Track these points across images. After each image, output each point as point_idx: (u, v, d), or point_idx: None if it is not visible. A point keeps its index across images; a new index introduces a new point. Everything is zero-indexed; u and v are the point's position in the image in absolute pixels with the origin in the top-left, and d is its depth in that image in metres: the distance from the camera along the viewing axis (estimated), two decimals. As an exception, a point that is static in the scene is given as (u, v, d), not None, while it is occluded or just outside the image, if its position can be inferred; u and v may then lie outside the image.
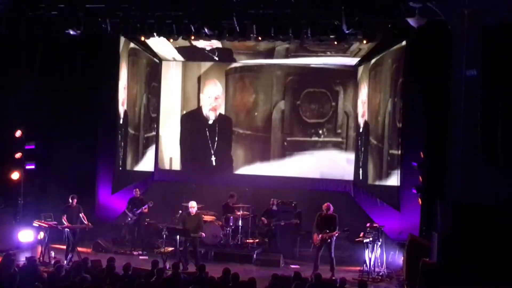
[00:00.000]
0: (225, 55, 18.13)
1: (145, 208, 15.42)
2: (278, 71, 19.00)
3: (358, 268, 13.57)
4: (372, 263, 13.24)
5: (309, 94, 18.79)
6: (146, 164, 19.10)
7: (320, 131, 18.81)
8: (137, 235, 15.54)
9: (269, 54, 17.56)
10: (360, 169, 18.04)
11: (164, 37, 14.53)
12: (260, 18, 13.40)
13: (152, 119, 19.33)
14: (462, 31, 11.49)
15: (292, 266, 14.03)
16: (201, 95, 19.37)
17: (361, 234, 13.44)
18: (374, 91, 17.24)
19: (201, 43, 16.39)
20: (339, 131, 18.76)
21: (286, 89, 18.99)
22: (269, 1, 13.09)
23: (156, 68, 19.29)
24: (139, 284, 9.61)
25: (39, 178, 15.69)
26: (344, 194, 18.23)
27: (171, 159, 19.58)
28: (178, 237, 13.56)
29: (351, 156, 18.53)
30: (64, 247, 14.01)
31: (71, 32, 13.94)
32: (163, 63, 19.42)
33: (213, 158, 19.28)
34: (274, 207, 15.53)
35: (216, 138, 19.29)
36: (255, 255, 14.61)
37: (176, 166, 19.61)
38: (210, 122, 19.35)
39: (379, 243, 13.41)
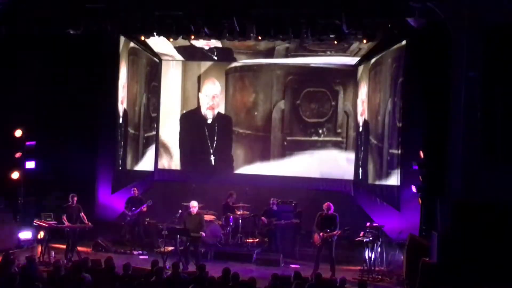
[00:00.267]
0: (225, 55, 18.13)
1: (144, 207, 15.42)
2: (278, 71, 18.99)
3: (358, 267, 13.58)
4: (372, 262, 13.25)
5: (309, 93, 18.78)
6: (146, 164, 19.09)
7: (320, 131, 18.79)
8: (137, 234, 15.55)
9: (269, 53, 17.55)
10: (360, 169, 18.03)
11: (164, 36, 14.53)
12: (260, 17, 13.41)
13: (152, 118, 19.32)
14: (462, 31, 11.51)
15: (292, 265, 14.04)
16: (199, 94, 19.37)
17: (361, 234, 13.45)
18: (374, 91, 17.23)
19: (199, 43, 16.37)
20: (339, 130, 18.74)
21: (286, 89, 18.97)
22: (269, 1, 13.10)
23: (156, 67, 19.28)
24: (139, 284, 9.63)
25: (39, 177, 15.68)
26: (344, 193, 18.21)
27: (171, 158, 19.57)
28: (178, 236, 13.56)
29: (351, 155, 18.52)
30: (64, 246, 14.02)
31: (71, 32, 13.95)
32: (163, 62, 19.41)
33: (212, 158, 19.27)
34: (274, 207, 15.53)
35: (215, 138, 19.27)
36: (255, 255, 14.62)
37: (176, 165, 19.59)
38: (209, 121, 19.33)
39: (379, 243, 13.43)
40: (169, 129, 19.53)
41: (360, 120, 18.14)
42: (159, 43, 17.03)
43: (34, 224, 14.23)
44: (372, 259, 13.27)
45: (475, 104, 11.41)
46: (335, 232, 13.20)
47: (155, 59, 19.01)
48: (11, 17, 13.99)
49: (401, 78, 15.11)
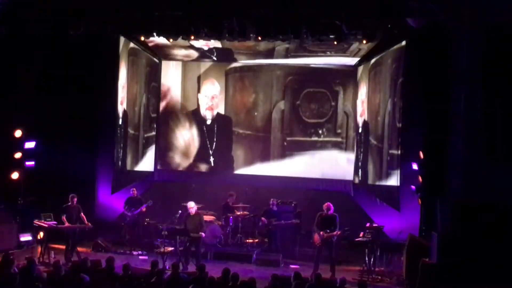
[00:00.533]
0: (225, 55, 18.13)
1: (143, 208, 15.42)
2: (278, 71, 18.99)
3: (358, 268, 13.57)
4: (372, 263, 13.25)
5: (309, 94, 18.78)
6: (145, 164, 19.09)
7: (320, 131, 18.78)
8: (136, 235, 15.54)
9: (269, 54, 17.55)
10: (360, 169, 18.03)
11: (164, 37, 14.53)
12: (260, 18, 13.41)
13: (151, 119, 19.31)
14: (462, 31, 11.51)
15: (292, 266, 14.04)
16: (199, 95, 19.36)
17: (361, 234, 13.45)
18: (374, 91, 17.23)
19: (199, 43, 16.37)
20: (339, 131, 18.74)
21: (286, 89, 18.97)
22: (269, 1, 13.10)
23: (155, 68, 19.27)
24: (138, 284, 9.62)
25: (39, 178, 15.66)
26: (344, 194, 18.21)
27: (170, 159, 19.56)
28: (177, 237, 13.56)
29: (351, 156, 18.52)
30: (64, 247, 14.01)
31: (71, 32, 13.95)
32: (163, 62, 19.41)
33: (211, 159, 19.27)
34: (274, 207, 15.52)
35: (215, 138, 19.27)
36: (255, 255, 14.62)
37: (176, 166, 19.58)
38: (208, 122, 19.33)
39: (379, 243, 13.41)
40: (169, 129, 19.52)
41: (360, 120, 18.14)
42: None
43: (34, 224, 14.22)
44: (372, 259, 13.26)
45: (475, 104, 11.40)
46: (335, 233, 13.20)
47: (155, 59, 19.01)
48: (11, 17, 13.99)
49: (401, 78, 15.12)
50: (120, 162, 17.40)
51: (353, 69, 18.40)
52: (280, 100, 19.02)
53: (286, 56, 17.76)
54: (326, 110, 18.74)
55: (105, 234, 15.68)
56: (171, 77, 19.45)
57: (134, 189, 15.93)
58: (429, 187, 13.29)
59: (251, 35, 13.74)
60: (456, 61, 11.78)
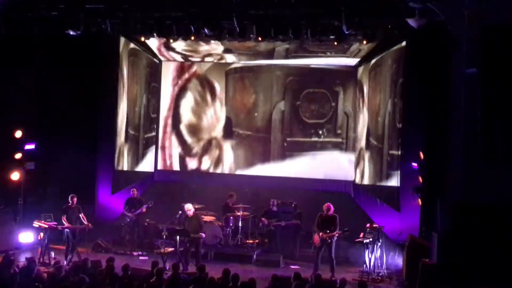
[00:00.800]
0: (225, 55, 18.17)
1: (144, 209, 15.42)
2: (278, 72, 19.00)
3: (358, 268, 13.57)
4: (372, 263, 13.24)
5: (309, 94, 18.79)
6: (146, 165, 19.10)
7: (320, 132, 18.79)
8: (136, 235, 15.54)
9: (269, 54, 17.55)
10: (360, 170, 18.03)
11: (164, 37, 14.54)
12: (260, 18, 13.41)
13: (152, 119, 19.32)
14: (462, 31, 11.49)
15: (292, 266, 14.02)
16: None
17: (361, 235, 13.43)
18: (374, 92, 17.24)
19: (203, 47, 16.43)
20: (339, 131, 18.75)
21: (286, 90, 18.98)
22: (269, 2, 13.10)
23: (156, 68, 19.28)
24: (139, 285, 9.62)
25: (39, 178, 15.68)
26: (344, 194, 18.22)
27: (170, 159, 19.56)
28: (178, 237, 13.56)
29: (351, 156, 18.53)
30: (64, 247, 14.00)
31: (71, 33, 13.96)
32: (163, 63, 19.41)
33: (211, 159, 19.27)
34: (274, 208, 15.52)
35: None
36: (255, 256, 14.61)
37: (176, 166, 19.59)
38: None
39: (379, 244, 13.41)
40: (169, 130, 19.52)
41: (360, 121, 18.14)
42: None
43: (34, 225, 14.21)
44: (372, 260, 13.25)
45: (475, 104, 11.40)
46: (335, 233, 13.19)
47: (155, 60, 19.02)
48: (11, 17, 13.98)
49: (401, 79, 15.13)
50: (120, 163, 17.40)
51: (353, 69, 18.41)
52: (280, 100, 19.03)
53: (286, 56, 17.76)
54: (326, 111, 18.75)
55: (105, 235, 15.68)
56: (171, 77, 19.45)
57: (135, 189, 15.93)
58: (429, 188, 13.29)
59: (251, 35, 13.74)
60: (456, 61, 11.77)
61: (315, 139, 18.84)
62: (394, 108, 15.57)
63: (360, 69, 18.20)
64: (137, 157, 18.57)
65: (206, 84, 19.33)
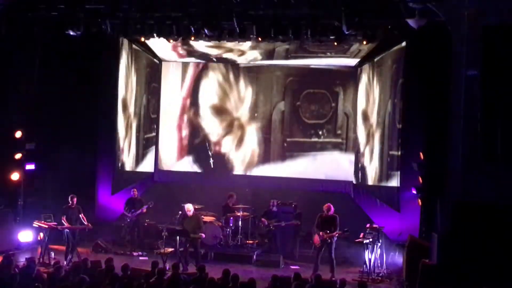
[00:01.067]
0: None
1: (144, 209, 15.42)
2: (278, 72, 19.00)
3: (358, 269, 13.57)
4: (372, 264, 13.25)
5: (309, 95, 18.79)
6: (146, 165, 19.10)
7: (320, 132, 18.79)
8: (136, 235, 15.54)
9: (269, 55, 17.55)
10: (360, 170, 18.03)
11: (164, 38, 14.53)
12: (260, 19, 13.41)
13: (152, 120, 19.32)
14: (462, 31, 11.49)
15: (292, 267, 14.03)
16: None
17: (361, 235, 13.44)
18: (374, 92, 17.23)
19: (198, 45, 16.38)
20: (339, 132, 18.75)
21: (286, 90, 18.98)
22: (269, 2, 13.10)
23: (156, 68, 19.28)
24: (139, 285, 9.62)
25: (39, 178, 15.67)
26: (344, 195, 18.22)
27: (171, 160, 19.56)
28: (178, 237, 13.57)
29: (351, 157, 18.52)
30: (64, 247, 14.00)
31: (71, 33, 13.96)
32: (163, 63, 19.42)
33: (211, 160, 19.26)
34: (274, 208, 15.52)
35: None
36: (255, 256, 14.61)
37: (176, 167, 19.58)
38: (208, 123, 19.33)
39: (379, 244, 13.42)
40: (169, 130, 19.52)
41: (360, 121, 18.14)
42: (159, 44, 17.05)
43: (34, 225, 14.22)
44: (372, 260, 13.26)
45: (475, 104, 11.39)
46: (334, 233, 13.19)
47: (155, 60, 19.02)
48: (11, 17, 13.98)
49: (401, 79, 15.13)
50: (120, 163, 17.41)
51: (353, 70, 18.41)
52: (280, 101, 19.04)
53: (286, 57, 17.77)
54: (326, 111, 18.76)
55: (105, 235, 15.69)
56: (171, 78, 19.45)
57: (135, 189, 15.94)
58: (429, 188, 13.29)
59: (251, 36, 13.74)
60: (456, 61, 11.77)
61: (315, 139, 18.85)
62: (394, 108, 15.57)
63: (360, 70, 18.19)
64: (137, 158, 18.57)
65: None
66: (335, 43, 14.11)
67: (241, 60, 18.58)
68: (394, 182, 15.33)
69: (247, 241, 15.43)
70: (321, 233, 13.28)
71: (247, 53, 17.46)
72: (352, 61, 17.86)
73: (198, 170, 19.36)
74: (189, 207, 14.02)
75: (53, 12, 13.81)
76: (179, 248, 13.59)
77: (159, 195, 17.68)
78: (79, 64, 15.80)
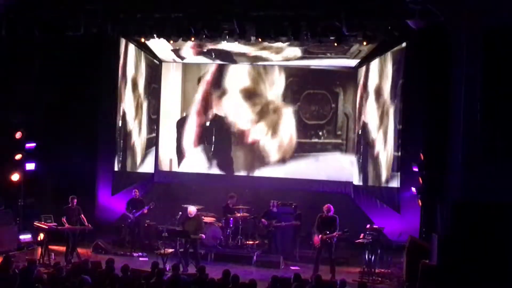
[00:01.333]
0: (225, 57, 18.12)
1: (145, 210, 15.43)
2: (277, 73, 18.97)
3: (358, 269, 13.57)
4: (372, 264, 13.24)
5: (309, 95, 18.78)
6: (146, 166, 19.10)
7: (320, 133, 18.77)
8: (137, 236, 15.53)
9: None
10: (360, 171, 18.02)
11: (164, 38, 14.54)
12: (260, 19, 13.41)
13: (152, 120, 19.32)
14: (462, 32, 11.51)
15: (292, 267, 14.03)
16: (196, 95, 19.32)
17: (361, 236, 13.44)
18: (374, 93, 17.22)
19: (178, 45, 16.35)
20: (339, 132, 18.74)
21: (286, 91, 18.95)
22: (269, 3, 13.10)
23: (156, 69, 19.28)
24: (139, 286, 9.62)
25: (39, 179, 15.68)
26: (344, 195, 18.21)
27: (171, 160, 19.56)
28: (178, 238, 13.56)
29: (351, 157, 18.51)
30: (64, 248, 14.01)
31: (71, 34, 13.96)
32: (163, 64, 19.42)
33: (211, 160, 19.24)
34: (274, 209, 15.52)
35: (214, 140, 19.26)
36: (255, 257, 14.60)
37: (176, 167, 19.59)
38: (207, 123, 19.30)
39: (379, 245, 13.41)
40: (169, 131, 19.53)
41: (360, 122, 18.13)
42: (159, 45, 17.06)
43: (34, 226, 14.23)
44: (372, 261, 13.26)
45: (475, 105, 11.41)
46: (335, 234, 13.19)
47: (155, 61, 19.02)
48: (11, 18, 13.99)
49: (401, 80, 15.13)
50: (120, 164, 17.42)
51: (353, 70, 18.40)
52: (280, 101, 19.01)
53: (287, 57, 17.74)
54: (326, 112, 18.74)
55: (105, 236, 15.70)
56: (172, 78, 19.46)
57: (136, 190, 15.95)
58: (429, 189, 13.29)
59: (251, 36, 13.74)
60: (456, 62, 11.78)
61: (315, 140, 18.83)
62: (394, 109, 15.57)
63: (360, 70, 18.19)
64: (137, 158, 18.57)
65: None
66: (335, 44, 14.10)
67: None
68: (394, 183, 15.32)
69: (247, 242, 15.44)
70: (321, 234, 13.26)
71: (286, 50, 16.99)
72: (352, 62, 17.85)
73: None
74: (192, 209, 14.02)
75: (53, 12, 13.82)
76: (179, 249, 13.59)
77: (159, 196, 17.68)
78: (79, 64, 15.79)
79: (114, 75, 16.78)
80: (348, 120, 18.62)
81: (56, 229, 13.92)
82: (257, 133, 18.95)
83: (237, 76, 19.04)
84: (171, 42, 15.33)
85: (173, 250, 13.66)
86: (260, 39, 13.94)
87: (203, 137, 19.27)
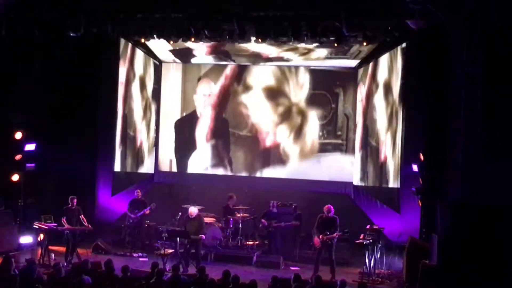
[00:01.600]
0: (224, 57, 18.13)
1: (147, 210, 15.43)
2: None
3: (358, 270, 13.56)
4: (372, 265, 13.24)
5: (309, 96, 18.75)
6: (146, 166, 19.09)
7: (320, 133, 18.76)
8: (137, 236, 15.53)
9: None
10: (360, 171, 18.01)
11: (164, 39, 14.54)
12: (260, 20, 13.41)
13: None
14: (461, 32, 11.51)
15: (292, 268, 14.03)
16: (194, 96, 19.30)
17: (361, 236, 13.44)
18: (374, 93, 17.21)
19: (193, 45, 16.33)
20: (339, 133, 18.71)
21: (285, 91, 18.95)
22: (269, 3, 13.10)
23: (156, 70, 19.28)
24: (139, 286, 9.62)
25: (39, 180, 15.67)
26: (344, 196, 18.19)
27: (171, 161, 19.54)
28: (178, 239, 13.56)
29: (351, 158, 18.50)
30: (64, 249, 14.00)
31: (71, 34, 13.96)
32: (163, 65, 19.41)
33: (211, 161, 19.23)
34: (274, 209, 15.52)
35: (213, 140, 19.25)
36: (255, 257, 14.60)
37: (176, 168, 19.57)
38: (206, 123, 19.26)
39: (379, 245, 13.41)
40: (169, 131, 19.51)
41: (362, 121, 18.10)
42: (158, 46, 17.05)
43: (34, 226, 14.22)
44: (372, 261, 13.26)
45: (475, 106, 11.41)
46: (335, 235, 13.19)
47: (155, 61, 19.01)
48: (11, 18, 13.99)
49: (401, 80, 15.12)
50: (120, 164, 17.41)
51: (353, 71, 18.38)
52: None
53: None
54: (326, 112, 18.72)
55: (105, 236, 15.70)
56: (172, 79, 19.45)
57: (139, 191, 15.95)
58: (429, 189, 13.28)
59: (251, 37, 13.74)
60: (456, 62, 11.78)
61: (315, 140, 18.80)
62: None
63: (360, 71, 18.18)
64: (137, 159, 18.57)
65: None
66: (335, 44, 14.10)
67: (239, 61, 18.45)
68: (394, 183, 15.31)
69: (247, 242, 15.44)
70: (321, 235, 13.26)
71: (315, 51, 16.85)
72: (352, 62, 17.84)
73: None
74: (192, 210, 14.01)
75: (53, 13, 13.82)
76: (179, 249, 13.58)
77: (159, 196, 17.68)
78: (79, 65, 15.79)
79: (114, 75, 16.78)
80: (348, 121, 18.60)
81: (56, 229, 13.92)
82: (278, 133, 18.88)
83: (258, 75, 18.93)
84: (171, 42, 15.33)
85: (173, 250, 13.65)
86: (260, 40, 13.94)
87: (217, 132, 19.20)
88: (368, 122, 17.48)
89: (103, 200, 16.84)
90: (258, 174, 18.91)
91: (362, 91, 18.06)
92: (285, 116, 18.77)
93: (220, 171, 19.14)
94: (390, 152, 15.86)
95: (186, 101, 19.41)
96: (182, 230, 13.78)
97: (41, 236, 14.26)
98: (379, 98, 16.51)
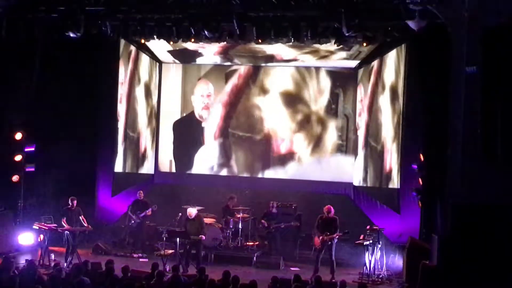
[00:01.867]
0: (233, 58, 18.17)
1: (149, 211, 15.43)
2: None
3: (358, 270, 13.56)
4: (372, 265, 13.24)
5: (309, 96, 18.76)
6: (146, 167, 19.08)
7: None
8: (138, 237, 15.52)
9: (269, 56, 17.52)
10: (360, 171, 18.01)
11: (164, 39, 14.53)
12: (260, 20, 13.41)
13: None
14: (462, 33, 11.50)
15: (292, 268, 14.03)
16: (192, 97, 19.28)
17: (361, 237, 13.44)
18: (374, 94, 17.20)
19: (192, 45, 16.34)
20: (339, 133, 18.71)
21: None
22: (269, 4, 13.10)
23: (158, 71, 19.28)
24: (139, 287, 9.62)
25: (39, 180, 15.67)
26: (344, 196, 18.19)
27: (170, 161, 19.54)
28: (178, 239, 13.56)
29: (351, 158, 18.50)
30: (64, 249, 14.00)
31: (71, 35, 13.96)
32: (163, 65, 19.41)
33: (210, 161, 19.21)
34: (274, 210, 15.53)
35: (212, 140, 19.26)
36: (255, 258, 14.60)
37: (176, 168, 19.56)
38: (205, 124, 19.26)
39: (379, 246, 13.42)
40: (169, 132, 19.51)
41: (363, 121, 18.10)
42: (158, 46, 17.06)
43: (34, 227, 14.22)
44: (372, 262, 13.25)
45: (475, 106, 11.40)
46: (335, 235, 13.19)
47: (155, 62, 19.01)
48: (11, 19, 13.99)
49: (401, 80, 15.11)
50: (121, 165, 17.41)
51: (353, 71, 18.38)
52: (280, 102, 18.99)
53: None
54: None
55: (105, 237, 15.71)
56: (171, 79, 19.45)
57: (141, 191, 15.95)
58: (429, 190, 13.28)
59: (251, 37, 13.74)
60: (456, 62, 11.77)
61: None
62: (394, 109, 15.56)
63: (360, 71, 18.18)
64: (137, 159, 18.57)
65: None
66: (335, 45, 14.09)
67: (240, 62, 18.45)
68: (395, 184, 15.30)
69: (247, 243, 15.43)
70: (321, 235, 13.26)
71: (336, 54, 16.85)
72: (352, 63, 17.84)
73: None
74: (191, 211, 14.01)
75: (53, 13, 13.82)
76: (179, 250, 13.58)
77: (159, 197, 17.64)
78: (79, 65, 15.80)
79: (114, 75, 16.79)
80: (348, 121, 18.59)
81: (56, 230, 13.92)
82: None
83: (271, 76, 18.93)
84: (171, 43, 15.33)
85: (173, 251, 13.65)
86: (260, 40, 13.93)
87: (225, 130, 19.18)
88: (372, 122, 17.37)
89: (103, 201, 16.84)
90: (258, 175, 18.90)
91: (362, 91, 18.06)
92: (290, 106, 18.77)
93: (224, 172, 19.08)
94: (395, 161, 15.75)
95: (186, 101, 19.41)
96: (182, 231, 13.78)
97: (41, 236, 14.27)
98: (384, 101, 16.40)
